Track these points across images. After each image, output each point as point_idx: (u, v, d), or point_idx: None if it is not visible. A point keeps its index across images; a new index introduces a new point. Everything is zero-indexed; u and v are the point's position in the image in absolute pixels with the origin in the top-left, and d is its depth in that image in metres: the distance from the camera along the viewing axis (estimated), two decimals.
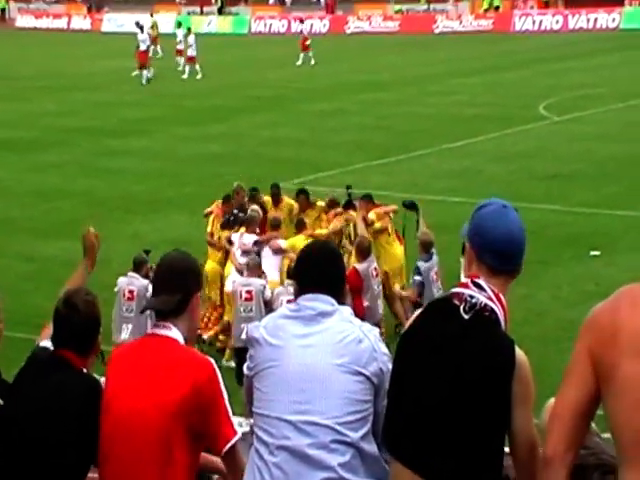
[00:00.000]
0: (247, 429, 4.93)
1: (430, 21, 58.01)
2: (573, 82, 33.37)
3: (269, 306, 11.02)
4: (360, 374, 3.61)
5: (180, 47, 41.01)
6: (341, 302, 3.83)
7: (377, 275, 11.49)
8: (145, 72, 37.06)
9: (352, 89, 33.81)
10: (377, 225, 12.29)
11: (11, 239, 16.46)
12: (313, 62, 42.01)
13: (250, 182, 19.13)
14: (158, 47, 45.85)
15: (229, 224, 12.62)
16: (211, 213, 13.19)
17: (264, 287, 11.17)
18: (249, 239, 12.14)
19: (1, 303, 4.18)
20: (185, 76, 38.94)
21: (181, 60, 40.81)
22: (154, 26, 47.56)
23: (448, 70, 37.93)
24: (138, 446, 3.65)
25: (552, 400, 3.33)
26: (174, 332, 3.77)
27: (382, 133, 25.34)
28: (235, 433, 3.73)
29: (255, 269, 11.52)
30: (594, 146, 22.92)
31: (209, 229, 12.95)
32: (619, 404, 2.85)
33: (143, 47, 37.60)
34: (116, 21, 64.23)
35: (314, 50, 42.20)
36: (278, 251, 12.08)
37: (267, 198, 13.56)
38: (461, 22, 57.19)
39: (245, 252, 11.97)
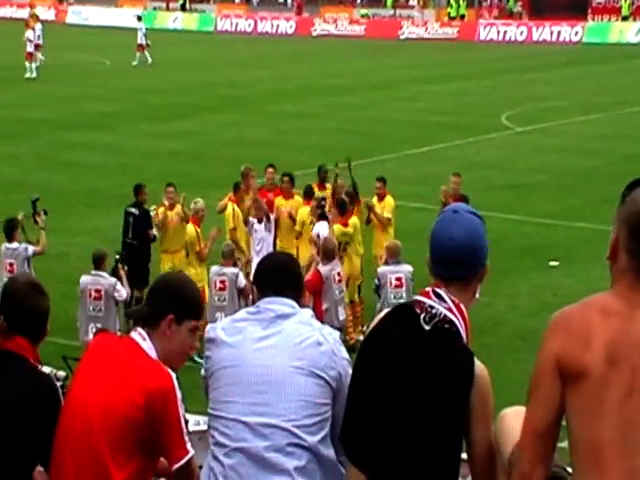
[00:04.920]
0: (205, 427, 4.89)
1: (396, 27, 58.20)
2: (536, 94, 33.64)
3: (243, 295, 11.26)
4: (319, 377, 3.60)
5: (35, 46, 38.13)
6: (301, 305, 3.84)
7: (340, 281, 11.41)
8: None
9: (318, 92, 33.83)
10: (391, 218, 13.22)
11: None
12: (150, 61, 41.25)
13: (215, 181, 19.14)
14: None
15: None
16: (224, 209, 13.29)
17: (237, 276, 11.31)
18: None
19: None
20: (30, 74, 36.71)
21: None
22: (33, 16, 46.89)
23: (413, 76, 38.08)
24: (86, 441, 3.60)
25: (507, 410, 3.34)
26: (146, 343, 3.71)
27: (346, 136, 25.38)
28: (187, 452, 3.63)
29: (229, 257, 11.57)
30: (555, 158, 23.14)
31: (231, 225, 13.03)
32: (579, 412, 2.87)
33: None
34: (81, 14, 63.76)
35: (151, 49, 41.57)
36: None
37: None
38: (427, 29, 57.43)
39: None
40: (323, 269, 11.24)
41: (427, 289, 3.44)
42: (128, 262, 12.02)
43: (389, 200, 13.61)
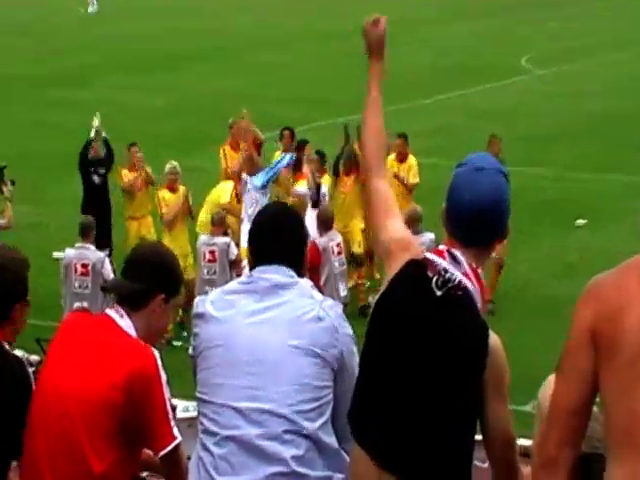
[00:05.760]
0: (195, 414, 4.91)
1: None
2: (557, 32, 33.47)
3: (235, 267, 11.12)
4: (318, 356, 3.56)
5: None
6: (301, 274, 3.78)
7: (340, 252, 11.33)
8: None
9: (311, 38, 33.65)
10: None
11: None
12: (95, 9, 41.30)
13: (197, 138, 19.09)
14: None
15: None
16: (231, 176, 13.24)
17: (228, 246, 11.20)
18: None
19: None
20: None
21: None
22: None
23: (421, 17, 37.88)
24: (59, 434, 3.61)
25: (554, 376, 3.29)
26: (124, 321, 3.72)
27: (346, 87, 25.28)
28: (174, 438, 3.63)
29: (220, 225, 11.48)
30: (580, 102, 23.07)
31: (228, 198, 12.83)
32: (614, 384, 2.85)
33: None
34: None
35: None
36: None
37: None
38: None
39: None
40: (320, 240, 11.12)
41: (441, 247, 3.41)
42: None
43: (412, 161, 13.43)
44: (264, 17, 39.52)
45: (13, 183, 11.63)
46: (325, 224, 11.25)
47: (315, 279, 10.87)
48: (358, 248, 12.79)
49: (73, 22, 38.14)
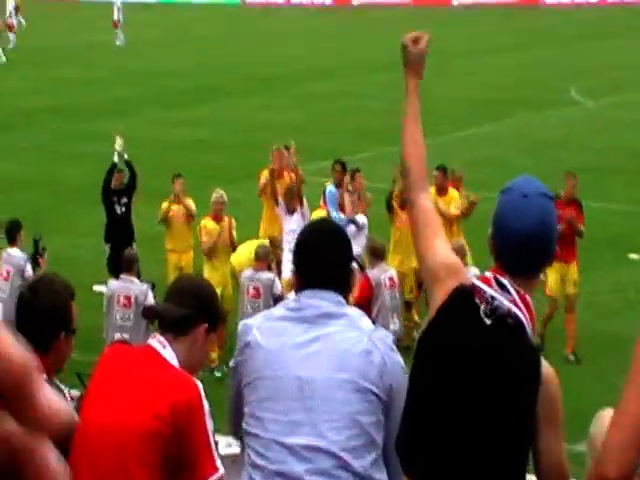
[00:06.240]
0: (238, 450, 4.91)
1: None
2: (609, 62, 33.41)
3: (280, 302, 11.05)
4: (368, 391, 3.54)
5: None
6: (347, 298, 3.72)
7: (392, 286, 11.05)
8: None
9: (360, 68, 33.81)
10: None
11: None
12: (121, 41, 41.75)
13: (242, 171, 19.21)
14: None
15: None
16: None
17: (272, 281, 11.18)
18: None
19: None
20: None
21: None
22: None
23: (468, 49, 37.98)
24: (103, 467, 3.62)
25: (607, 411, 3.25)
26: (166, 351, 3.74)
27: (394, 118, 25.35)
28: (216, 470, 3.63)
29: (264, 259, 11.44)
30: (633, 135, 22.94)
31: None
32: None
33: None
34: None
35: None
36: None
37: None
38: None
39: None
40: (372, 273, 10.89)
41: (488, 275, 3.39)
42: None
43: (453, 193, 13.43)
44: (307, 48, 39.80)
45: (44, 249, 11.76)
46: (375, 254, 10.98)
47: (367, 312, 10.69)
48: (409, 294, 12.65)
49: (106, 55, 38.59)
